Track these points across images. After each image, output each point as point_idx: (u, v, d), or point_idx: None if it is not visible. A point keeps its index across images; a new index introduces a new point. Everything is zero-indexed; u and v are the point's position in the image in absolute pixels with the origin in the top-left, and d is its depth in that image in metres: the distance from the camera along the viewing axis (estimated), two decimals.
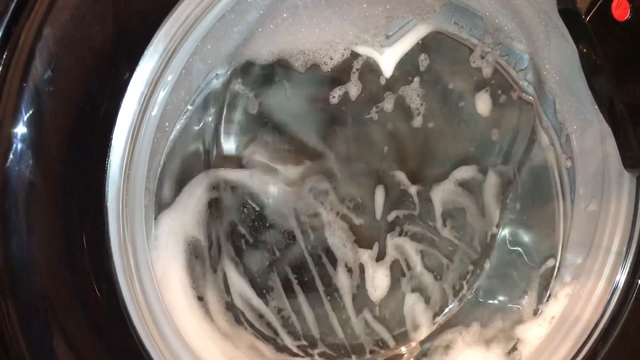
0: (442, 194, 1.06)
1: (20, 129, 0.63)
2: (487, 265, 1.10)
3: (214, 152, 0.93)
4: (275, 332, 0.97)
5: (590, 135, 0.98)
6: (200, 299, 0.86)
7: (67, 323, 0.67)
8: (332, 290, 1.02)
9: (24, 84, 0.62)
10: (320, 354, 1.00)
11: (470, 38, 0.98)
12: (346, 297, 1.02)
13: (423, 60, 0.98)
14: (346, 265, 1.02)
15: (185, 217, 0.85)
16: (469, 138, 1.06)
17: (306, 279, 1.00)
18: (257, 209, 0.97)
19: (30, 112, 0.63)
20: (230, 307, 0.92)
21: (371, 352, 1.04)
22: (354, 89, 0.94)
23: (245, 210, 0.96)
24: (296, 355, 0.98)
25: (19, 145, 0.63)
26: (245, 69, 0.89)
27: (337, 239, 1.01)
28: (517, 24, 0.95)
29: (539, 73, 0.98)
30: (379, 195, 1.02)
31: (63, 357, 0.67)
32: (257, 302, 0.96)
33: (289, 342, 0.98)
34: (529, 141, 1.06)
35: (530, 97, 1.02)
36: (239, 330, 0.92)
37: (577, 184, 1.01)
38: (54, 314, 0.66)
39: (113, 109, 0.67)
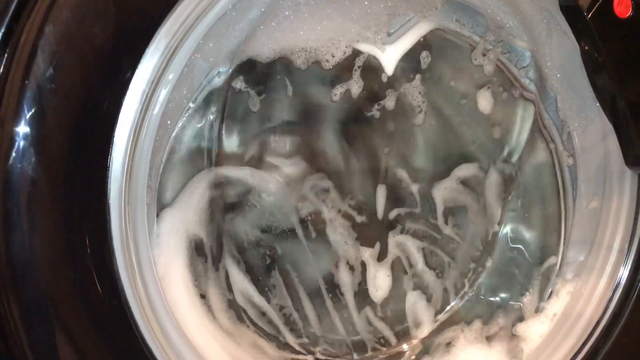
0: (443, 191, 1.06)
1: (23, 127, 0.63)
2: (488, 263, 1.10)
3: (216, 150, 0.93)
4: (277, 330, 0.97)
5: (591, 133, 0.98)
6: (203, 296, 0.86)
7: (69, 321, 0.67)
8: (333, 287, 1.02)
9: (26, 82, 0.63)
10: (322, 352, 1.00)
11: (472, 35, 0.98)
12: (348, 295, 1.02)
13: (425, 58, 0.98)
14: (348, 263, 1.02)
15: (187, 215, 0.85)
16: (470, 136, 1.06)
17: (307, 277, 1.01)
18: (259, 206, 0.97)
19: (33, 110, 0.63)
20: (232, 304, 0.92)
21: (373, 349, 1.04)
22: (355, 86, 0.94)
23: (246, 207, 0.96)
24: (298, 352, 0.98)
25: (21, 143, 0.63)
26: (246, 67, 0.89)
27: (339, 236, 1.01)
28: (518, 21, 0.95)
29: (541, 70, 0.98)
30: (381, 194, 1.02)
31: (65, 354, 0.67)
32: (259, 299, 0.96)
33: (291, 339, 0.98)
34: (530, 139, 1.06)
35: (532, 95, 1.02)
36: (241, 328, 0.92)
37: (579, 181, 1.01)
38: (56, 311, 0.66)
39: (115, 106, 0.67)
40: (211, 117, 0.92)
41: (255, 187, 0.96)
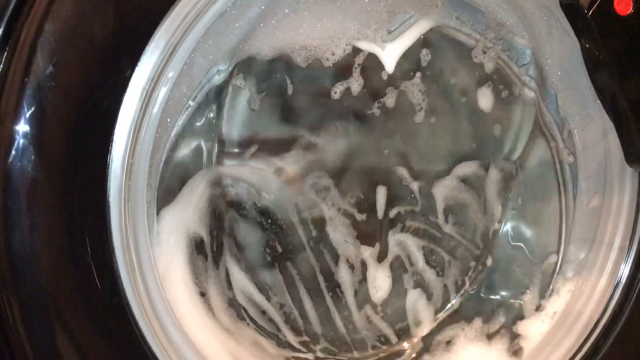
0: (444, 189, 1.06)
1: (23, 125, 0.63)
2: (489, 261, 1.10)
3: (216, 148, 0.93)
4: (278, 328, 0.97)
5: (592, 131, 0.98)
6: (203, 294, 0.86)
7: (70, 318, 0.67)
8: (333, 286, 1.02)
9: (26, 80, 0.62)
10: (322, 350, 1.00)
11: (472, 33, 0.98)
12: (348, 293, 1.02)
13: (425, 56, 0.98)
14: (348, 261, 1.02)
15: (187, 213, 0.85)
16: (470, 133, 1.06)
17: (308, 275, 1.01)
18: (259, 204, 0.97)
19: (32, 108, 0.63)
20: (232, 303, 0.92)
21: (373, 347, 1.04)
22: (355, 84, 0.94)
23: (246, 206, 0.96)
24: (298, 350, 0.98)
25: (21, 141, 0.63)
26: (246, 65, 0.89)
27: (339, 234, 1.01)
28: (519, 19, 0.95)
29: (541, 68, 0.98)
30: (381, 194, 1.02)
31: (65, 352, 0.67)
32: (259, 298, 0.96)
33: (291, 337, 0.98)
34: (531, 136, 1.06)
35: (532, 93, 1.02)
36: (241, 326, 0.92)
37: (580, 179, 1.01)
38: (56, 309, 0.66)
39: (114, 104, 0.67)
40: (211, 115, 0.92)
41: (255, 185, 0.96)
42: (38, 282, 0.65)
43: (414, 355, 1.04)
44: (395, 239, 1.05)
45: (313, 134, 0.98)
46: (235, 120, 0.94)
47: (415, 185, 1.05)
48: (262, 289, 0.97)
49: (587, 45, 0.85)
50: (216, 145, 0.93)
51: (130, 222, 0.71)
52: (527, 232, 1.09)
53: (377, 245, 1.03)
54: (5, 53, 0.62)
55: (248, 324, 0.94)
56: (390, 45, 0.92)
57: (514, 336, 1.01)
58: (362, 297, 1.03)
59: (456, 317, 1.07)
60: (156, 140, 0.73)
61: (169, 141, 0.80)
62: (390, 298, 1.04)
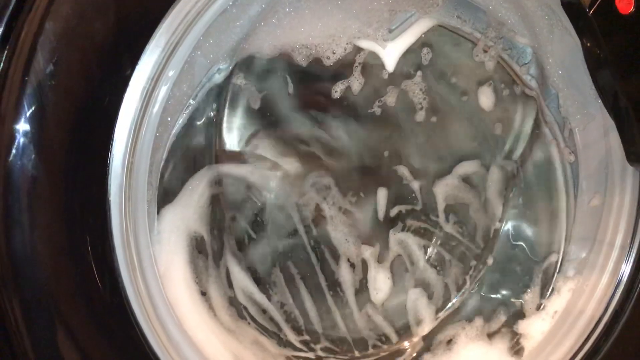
0: (445, 188, 1.06)
1: (23, 124, 0.63)
2: (490, 260, 1.10)
3: (216, 147, 0.93)
4: (278, 327, 0.97)
5: (593, 130, 0.98)
6: (203, 293, 0.86)
7: (70, 317, 0.67)
8: (334, 285, 1.02)
9: (26, 79, 0.62)
10: (323, 349, 1.00)
11: (473, 32, 0.98)
12: (349, 292, 1.02)
13: (426, 54, 0.97)
14: (348, 260, 1.02)
15: (187, 212, 0.85)
16: (471, 132, 1.05)
17: (309, 274, 1.00)
18: (259, 203, 0.97)
19: (33, 107, 0.63)
20: (233, 302, 0.92)
21: (374, 346, 1.04)
22: (356, 83, 0.94)
23: (247, 205, 0.96)
24: (299, 350, 0.98)
25: (22, 140, 0.63)
26: (247, 64, 0.89)
27: (340, 233, 1.01)
28: (520, 18, 0.95)
29: (542, 67, 0.98)
30: (381, 196, 1.02)
31: (66, 351, 0.67)
32: (260, 297, 0.96)
33: (292, 337, 0.98)
34: (531, 135, 1.06)
35: (533, 92, 1.02)
36: (242, 325, 0.92)
37: (580, 178, 1.01)
38: (56, 307, 0.66)
39: (115, 103, 0.67)
40: (212, 114, 0.92)
41: (256, 184, 0.96)
42: (38, 280, 0.65)
43: (414, 354, 1.04)
44: (396, 238, 1.05)
45: (314, 133, 0.98)
46: (236, 119, 0.94)
47: (416, 184, 1.04)
48: (262, 288, 0.97)
49: (588, 44, 0.85)
50: (217, 144, 0.93)
51: (130, 221, 0.71)
52: (528, 231, 1.09)
53: (378, 245, 1.03)
54: (6, 52, 0.62)
55: (249, 323, 0.94)
56: (391, 44, 0.92)
57: (515, 335, 1.01)
58: (363, 296, 1.03)
59: (457, 316, 1.07)
60: (157, 139, 0.73)
61: (170, 140, 0.80)
62: (391, 297, 1.04)
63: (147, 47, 0.68)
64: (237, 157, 0.95)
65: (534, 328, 1.00)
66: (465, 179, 1.07)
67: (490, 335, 1.03)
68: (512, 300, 1.06)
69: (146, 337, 0.72)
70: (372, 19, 0.89)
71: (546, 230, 1.06)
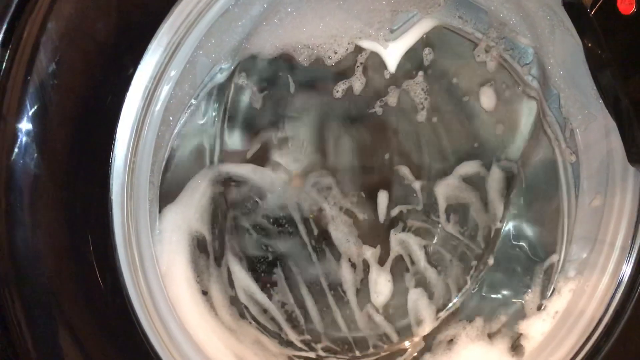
0: (446, 189, 1.06)
1: (25, 123, 0.63)
2: (490, 260, 1.10)
3: (218, 147, 0.93)
4: (279, 327, 0.97)
5: (594, 130, 0.98)
6: (205, 293, 0.86)
7: (72, 316, 0.67)
8: (335, 284, 1.02)
9: (29, 78, 0.63)
10: (324, 349, 1.00)
11: (474, 32, 0.98)
12: (349, 292, 1.02)
13: (427, 55, 0.98)
14: (349, 260, 1.02)
15: (189, 212, 0.85)
16: (472, 133, 1.05)
17: (310, 274, 1.01)
18: (261, 203, 0.97)
19: (35, 106, 0.63)
20: (234, 301, 0.92)
21: (374, 346, 1.04)
22: (358, 83, 0.94)
23: (248, 204, 0.96)
24: (300, 349, 0.98)
25: (24, 139, 0.63)
26: (249, 63, 0.89)
27: (341, 233, 1.01)
28: (521, 18, 0.95)
29: (544, 67, 0.98)
30: (382, 199, 1.02)
31: (68, 350, 0.67)
32: (261, 296, 0.96)
33: (292, 336, 0.98)
34: (533, 136, 1.06)
35: (535, 92, 1.02)
36: (243, 325, 0.92)
37: (582, 178, 1.01)
38: (58, 306, 0.66)
39: (117, 102, 0.67)
40: (213, 113, 0.92)
41: (258, 184, 0.96)
42: (40, 279, 0.65)
43: (415, 354, 1.04)
44: (397, 238, 1.05)
45: (315, 132, 0.98)
46: (238, 119, 0.94)
47: (417, 185, 1.05)
48: (263, 287, 0.97)
49: (590, 45, 0.85)
50: (218, 143, 0.93)
51: (132, 220, 0.71)
52: (529, 231, 1.09)
53: (379, 247, 1.03)
54: (9, 51, 0.62)
55: (250, 323, 0.94)
56: (393, 44, 0.92)
57: (516, 335, 1.01)
58: (364, 296, 1.03)
59: (458, 316, 1.07)
60: (158, 138, 0.73)
61: (172, 139, 0.80)
62: (391, 297, 1.04)
63: (149, 46, 0.68)
64: (238, 157, 0.95)
65: (535, 328, 1.00)
66: (466, 179, 1.07)
67: (491, 336, 1.03)
68: (513, 300, 1.06)
69: (147, 336, 0.72)
70: (374, 19, 0.89)
71: (547, 231, 1.06)
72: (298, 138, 0.98)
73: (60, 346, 0.67)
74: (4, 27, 0.63)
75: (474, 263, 1.10)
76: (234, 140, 0.95)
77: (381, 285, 1.03)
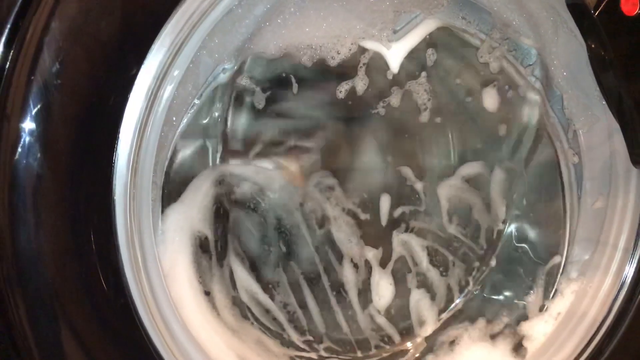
0: (448, 190, 1.06)
1: (29, 123, 0.63)
2: (493, 262, 1.10)
3: (221, 147, 0.93)
4: (281, 327, 0.97)
5: (597, 131, 0.97)
6: (207, 293, 0.86)
7: (74, 315, 0.67)
8: (337, 285, 1.02)
9: (32, 77, 0.62)
10: (326, 349, 1.00)
11: (478, 33, 0.98)
12: (352, 293, 1.02)
13: (430, 55, 0.97)
14: (352, 261, 1.02)
15: (191, 212, 0.85)
16: (475, 134, 1.05)
17: (312, 274, 1.01)
18: (263, 203, 0.97)
19: (38, 105, 0.63)
20: (236, 301, 0.92)
21: (376, 347, 1.04)
22: (360, 83, 0.94)
23: (251, 205, 0.96)
24: (302, 350, 0.98)
25: (27, 139, 0.63)
26: (252, 64, 0.89)
27: (343, 234, 1.01)
28: (525, 19, 0.94)
29: (547, 69, 0.98)
30: (385, 202, 1.02)
31: (70, 349, 0.67)
32: (263, 297, 0.96)
33: (294, 337, 0.98)
34: (535, 137, 1.06)
35: (538, 93, 1.02)
36: (246, 325, 0.92)
37: (584, 180, 1.00)
38: (61, 306, 0.66)
39: (120, 102, 0.67)
40: (216, 113, 0.92)
41: (260, 184, 0.96)
42: (43, 279, 0.65)
43: (417, 355, 1.04)
44: (399, 239, 1.05)
45: (318, 133, 0.98)
46: (240, 119, 0.94)
47: (419, 185, 1.04)
48: (266, 288, 0.97)
49: (593, 46, 0.85)
50: (221, 144, 0.93)
51: (135, 221, 0.71)
52: (532, 232, 1.09)
53: (381, 248, 1.03)
54: (12, 51, 0.62)
55: (252, 323, 0.94)
56: (396, 44, 0.92)
57: (518, 337, 1.01)
58: (366, 296, 1.03)
59: (460, 317, 1.07)
60: (161, 138, 0.73)
61: (174, 140, 0.80)
62: (393, 298, 1.04)
63: (153, 46, 0.68)
64: (241, 157, 0.95)
65: (537, 330, 1.00)
66: (469, 180, 1.07)
67: (493, 337, 1.02)
68: (515, 301, 1.06)
69: (150, 336, 0.72)
70: (377, 19, 0.89)
71: (549, 232, 1.06)
72: (301, 138, 0.98)
73: (62, 346, 0.67)
74: (8, 27, 0.63)
75: (477, 264, 1.10)
76: (237, 140, 0.95)
77: (383, 289, 1.03)
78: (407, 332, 1.06)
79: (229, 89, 0.91)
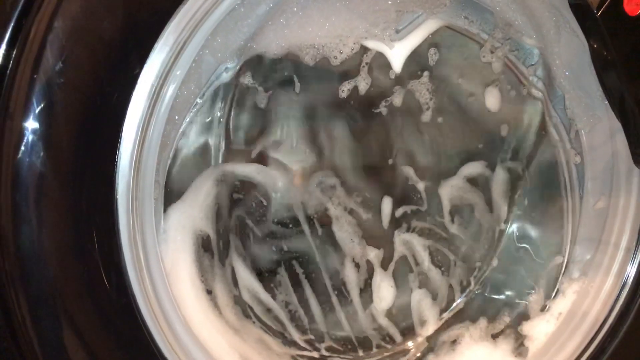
0: (450, 189, 1.06)
1: (31, 121, 0.63)
2: (494, 261, 1.10)
3: (223, 146, 0.93)
4: (283, 326, 0.97)
5: (599, 131, 0.97)
6: (209, 292, 0.86)
7: (77, 314, 0.67)
8: (339, 284, 1.02)
9: (35, 76, 0.63)
10: (327, 348, 1.00)
11: (480, 33, 0.98)
12: (353, 292, 1.02)
13: (433, 55, 0.97)
14: (353, 260, 1.02)
15: (193, 211, 0.85)
16: (477, 133, 1.05)
17: (313, 274, 1.01)
18: (265, 203, 0.97)
19: (41, 104, 0.63)
20: (238, 300, 0.92)
21: (378, 346, 1.04)
22: (363, 83, 0.94)
23: (253, 204, 0.96)
24: (303, 349, 0.98)
25: (30, 137, 0.63)
26: (254, 63, 0.89)
27: (345, 233, 1.01)
28: (527, 19, 0.94)
29: (549, 68, 0.98)
30: (386, 204, 1.02)
31: (72, 348, 0.67)
32: (265, 296, 0.96)
33: (296, 336, 0.98)
34: (537, 137, 1.06)
35: (540, 93, 1.02)
36: (247, 324, 0.92)
37: (586, 179, 1.00)
38: (63, 305, 0.66)
39: (123, 101, 0.67)
40: (218, 113, 0.92)
41: (262, 184, 0.96)
42: (46, 278, 0.65)
43: (418, 354, 1.04)
44: (401, 239, 1.05)
45: (320, 132, 0.98)
46: (243, 119, 0.94)
47: (421, 185, 1.05)
48: (267, 287, 0.97)
49: (596, 46, 0.85)
50: (223, 143, 0.93)
51: (137, 219, 0.71)
52: (533, 232, 1.09)
53: (382, 249, 1.03)
54: (15, 49, 0.62)
55: (254, 322, 0.94)
56: (398, 44, 0.92)
57: (519, 336, 1.01)
58: (367, 296, 1.03)
59: (461, 317, 1.07)
60: (164, 137, 0.74)
61: (177, 138, 0.80)
62: (395, 298, 1.04)
63: (156, 45, 0.68)
64: (243, 156, 0.95)
65: (539, 329, 1.00)
66: (471, 180, 1.07)
67: (495, 337, 1.02)
68: (517, 301, 1.06)
69: (152, 335, 0.72)
70: (379, 19, 0.89)
71: (551, 232, 1.06)
72: (303, 138, 0.98)
73: (65, 345, 0.67)
74: (11, 25, 0.63)
75: (478, 264, 1.10)
76: (239, 139, 0.95)
77: (384, 291, 1.03)
78: (408, 332, 1.06)
79: (231, 88, 0.91)
